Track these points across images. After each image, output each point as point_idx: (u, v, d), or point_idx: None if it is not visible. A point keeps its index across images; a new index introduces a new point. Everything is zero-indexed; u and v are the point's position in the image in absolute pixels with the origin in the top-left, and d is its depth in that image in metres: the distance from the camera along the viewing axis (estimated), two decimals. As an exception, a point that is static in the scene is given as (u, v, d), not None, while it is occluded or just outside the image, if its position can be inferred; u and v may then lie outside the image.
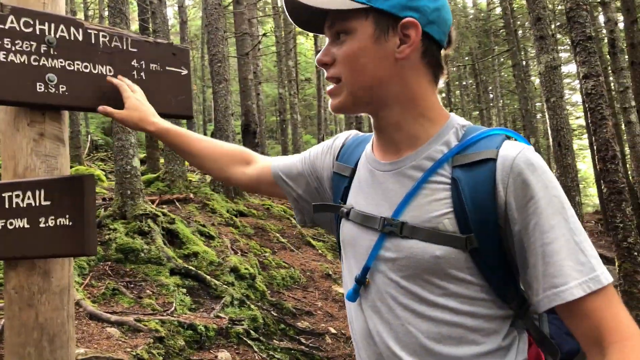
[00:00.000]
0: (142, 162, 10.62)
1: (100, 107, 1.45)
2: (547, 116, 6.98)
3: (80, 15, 19.93)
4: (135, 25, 16.53)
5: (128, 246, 5.24)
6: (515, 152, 0.89)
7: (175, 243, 5.87)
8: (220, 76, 9.62)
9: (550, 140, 7.03)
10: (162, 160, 12.50)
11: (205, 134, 21.73)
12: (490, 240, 0.89)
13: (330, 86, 1.02)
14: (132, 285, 4.80)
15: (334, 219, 1.16)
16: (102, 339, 3.45)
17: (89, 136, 17.10)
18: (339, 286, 6.79)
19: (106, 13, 18.86)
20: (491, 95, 27.55)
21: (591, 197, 33.56)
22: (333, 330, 5.37)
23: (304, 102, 32.44)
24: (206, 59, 12.10)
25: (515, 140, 0.96)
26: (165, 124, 1.43)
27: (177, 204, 7.60)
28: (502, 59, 25.02)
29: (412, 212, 0.95)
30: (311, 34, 24.97)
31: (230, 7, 13.83)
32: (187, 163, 9.51)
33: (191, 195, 8.27)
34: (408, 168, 0.98)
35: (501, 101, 28.22)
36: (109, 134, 18.64)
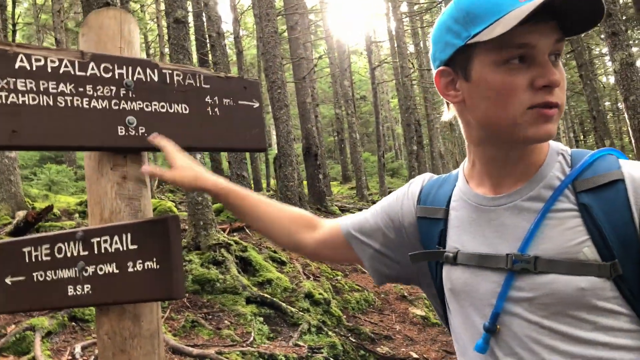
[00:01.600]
0: (210, 191, 10.87)
1: (146, 168, 1.40)
2: (626, 116, 6.56)
3: (142, 55, 20.99)
4: (194, 59, 17.17)
5: (204, 277, 5.31)
6: None
7: (248, 271, 5.90)
8: (280, 102, 9.75)
9: (633, 141, 6.58)
10: (228, 189, 12.75)
11: (266, 159, 22.08)
12: (633, 265, 0.83)
13: (551, 109, 0.87)
14: (210, 317, 4.83)
15: (427, 270, 1.07)
16: (186, 374, 3.47)
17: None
18: (416, 308, 6.58)
19: (166, 50, 19.85)
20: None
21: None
22: (415, 355, 5.17)
23: (360, 119, 32.47)
24: (264, 86, 12.36)
25: (624, 159, 0.91)
26: (225, 183, 1.33)
27: (247, 231, 7.68)
28: (563, 60, 24.06)
29: (543, 245, 0.87)
30: (365, 52, 25.09)
31: (285, 34, 14.10)
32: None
33: (259, 222, 8.33)
34: (525, 200, 0.91)
35: (566, 104, 27.07)
36: (176, 166, 19.29)
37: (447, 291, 1.01)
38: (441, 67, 0.96)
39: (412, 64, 19.31)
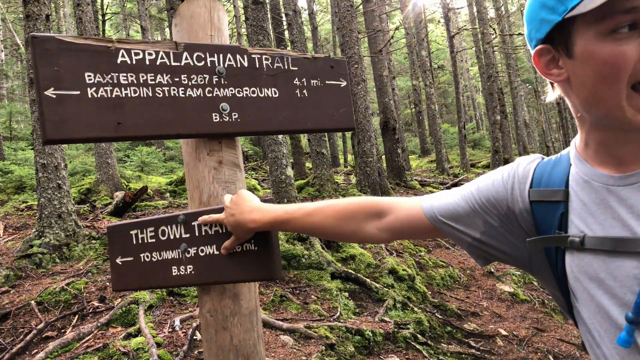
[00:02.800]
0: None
1: (203, 219, 1.42)
2: None
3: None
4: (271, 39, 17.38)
5: (290, 253, 5.44)
6: None
7: (332, 247, 5.98)
8: (358, 77, 9.67)
9: None
10: (308, 165, 12.97)
11: (344, 135, 22.09)
12: None
13: None
14: (297, 291, 4.96)
15: (543, 256, 0.98)
16: (277, 347, 3.60)
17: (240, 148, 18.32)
18: (504, 284, 6.39)
19: (243, 30, 20.19)
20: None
21: None
22: (504, 332, 5.04)
23: (438, 90, 31.58)
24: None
25: None
26: (267, 216, 1.30)
27: (328, 207, 7.77)
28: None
29: None
30: (442, 20, 24.14)
31: (360, 7, 13.88)
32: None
33: (340, 198, 8.41)
34: None
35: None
36: (256, 144, 19.85)
37: (572, 279, 0.92)
38: (539, 46, 0.89)
39: (493, 29, 18.39)
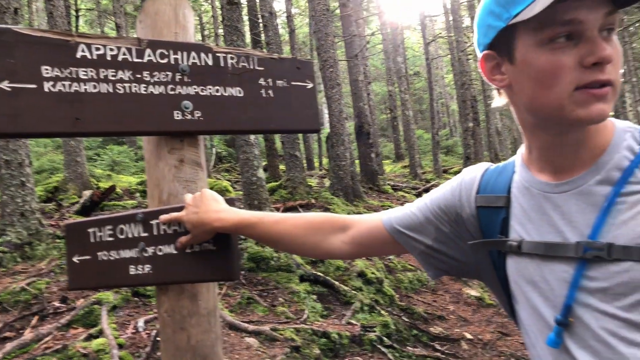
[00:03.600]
0: (264, 170, 11.04)
1: (163, 218, 1.38)
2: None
3: (197, 37, 21.32)
4: (247, 40, 17.31)
5: (259, 255, 5.43)
6: None
7: (301, 250, 5.97)
8: (333, 81, 9.71)
9: None
10: (281, 167, 12.94)
11: (319, 138, 22.14)
12: None
13: (602, 88, 0.82)
14: (265, 294, 4.95)
15: (489, 261, 1.02)
16: (242, 349, 3.58)
17: (214, 149, 18.16)
18: (470, 288, 6.48)
19: (220, 31, 20.11)
20: (622, 70, 24.98)
21: None
22: (469, 336, 5.11)
23: (413, 96, 31.91)
24: (315, 64, 12.32)
25: None
26: (234, 217, 1.27)
27: (300, 210, 7.77)
28: (632, 29, 22.64)
29: (615, 231, 0.81)
30: (418, 27, 24.46)
31: (337, 12, 13.95)
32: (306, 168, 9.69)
33: (313, 201, 8.42)
34: (592, 184, 0.86)
35: (635, 76, 25.53)
36: (231, 145, 19.71)
37: (512, 282, 0.96)
38: (485, 52, 0.92)
39: (467, 37, 18.69)
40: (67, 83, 1.30)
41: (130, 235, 1.47)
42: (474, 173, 1.07)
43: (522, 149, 1.01)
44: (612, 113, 0.84)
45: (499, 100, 0.99)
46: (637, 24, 19.85)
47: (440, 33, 26.61)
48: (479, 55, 0.95)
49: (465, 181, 1.06)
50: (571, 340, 0.86)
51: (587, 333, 0.84)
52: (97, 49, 1.35)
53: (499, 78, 0.92)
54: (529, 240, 0.91)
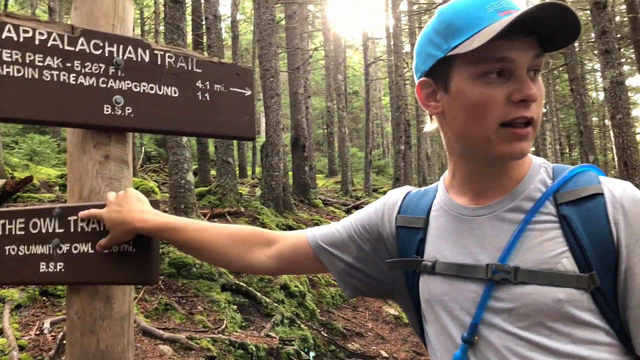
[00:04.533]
0: (194, 174, 10.80)
1: (83, 213, 1.32)
2: (612, 134, 6.64)
3: (136, 31, 20.68)
4: (188, 40, 16.98)
5: (181, 261, 5.28)
6: (620, 189, 0.87)
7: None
8: (272, 91, 9.70)
9: (616, 159, 6.67)
10: (213, 172, 12.71)
11: (254, 146, 21.99)
12: (610, 278, 0.84)
13: (525, 128, 0.87)
14: (184, 301, 4.81)
15: (403, 281, 1.06)
16: (154, 357, 3.45)
17: (143, 148, 17.59)
18: (390, 307, 6.62)
19: (161, 28, 19.60)
20: (545, 110, 26.67)
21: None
22: (384, 354, 5.21)
23: (350, 114, 32.46)
24: (256, 72, 12.27)
25: (603, 175, 0.93)
26: (158, 219, 1.23)
27: (228, 217, 7.65)
28: (556, 72, 24.29)
29: (523, 256, 0.87)
30: (361, 48, 25.00)
31: (282, 22, 14.00)
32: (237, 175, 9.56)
33: (242, 209, 8.32)
34: (506, 211, 0.92)
35: (555, 116, 27.31)
36: (161, 145, 19.17)
37: (423, 302, 1.00)
38: (422, 78, 0.97)
39: (406, 63, 19.32)
40: (-13, 64, 1.22)
41: (44, 231, 1.39)
42: (397, 195, 1.12)
43: (445, 174, 1.06)
44: (532, 149, 0.91)
45: (430, 125, 1.04)
46: (560, 68, 21.30)
47: (381, 56, 27.33)
48: (417, 80, 0.99)
49: (389, 202, 1.11)
50: (475, 358, 0.90)
51: (490, 351, 0.88)
52: (25, 31, 1.28)
53: (433, 105, 0.97)
54: (442, 261, 0.96)
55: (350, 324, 5.83)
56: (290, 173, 13.24)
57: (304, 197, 12.26)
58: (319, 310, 5.85)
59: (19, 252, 1.41)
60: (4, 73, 1.24)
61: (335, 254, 1.12)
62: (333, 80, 21.67)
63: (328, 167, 25.96)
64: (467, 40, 0.85)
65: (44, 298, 4.14)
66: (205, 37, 10.76)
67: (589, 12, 7.37)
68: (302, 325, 5.10)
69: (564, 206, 0.88)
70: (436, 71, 0.93)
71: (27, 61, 1.28)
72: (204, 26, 10.95)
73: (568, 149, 32.55)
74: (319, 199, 13.57)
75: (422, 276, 0.99)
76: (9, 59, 1.25)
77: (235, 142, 15.09)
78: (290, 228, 8.70)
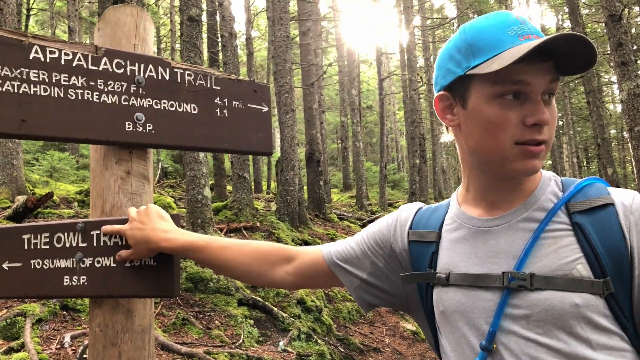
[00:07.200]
0: (210, 189, 10.87)
1: (106, 228, 1.35)
2: (630, 146, 6.58)
3: (153, 49, 20.96)
4: (205, 57, 17.21)
5: (198, 275, 5.31)
6: (629, 198, 0.91)
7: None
8: (287, 107, 9.78)
9: (635, 171, 6.59)
10: (229, 187, 12.80)
11: (269, 161, 22.10)
12: (624, 284, 0.87)
13: (538, 146, 0.91)
14: (201, 316, 4.83)
15: (417, 295, 1.09)
16: (173, 371, 3.47)
17: (160, 163, 17.78)
18: (407, 322, 6.56)
19: (177, 45, 19.93)
20: (561, 123, 26.47)
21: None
22: (402, 369, 5.16)
23: (365, 129, 32.52)
24: (271, 89, 12.39)
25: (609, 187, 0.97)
26: (182, 239, 1.27)
27: (244, 232, 7.68)
28: (572, 85, 24.13)
29: (538, 263, 0.90)
30: (375, 63, 25.18)
31: (297, 39, 14.15)
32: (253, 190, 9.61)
33: (258, 224, 8.35)
34: (519, 221, 0.95)
35: (572, 129, 27.06)
36: (178, 161, 19.35)
37: (438, 314, 1.02)
38: (441, 92, 1.01)
39: (420, 77, 19.35)
40: (15, 83, 1.27)
41: (68, 245, 1.43)
42: (409, 210, 1.15)
43: (458, 190, 1.10)
44: (550, 162, 0.94)
45: (447, 136, 1.08)
46: (576, 81, 21.18)
47: (395, 70, 27.42)
48: (435, 93, 1.03)
49: (400, 217, 1.14)
50: None
51: (510, 358, 0.89)
52: (52, 52, 1.33)
53: (449, 118, 1.01)
54: (456, 272, 0.98)
55: (367, 339, 5.79)
56: (305, 188, 13.27)
57: (319, 211, 12.27)
58: (335, 325, 5.82)
59: (44, 266, 1.45)
60: (32, 92, 1.29)
61: (351, 270, 1.16)
62: (347, 95, 21.76)
63: (343, 182, 25.95)
64: (487, 61, 0.89)
65: (64, 312, 4.19)
66: (221, 54, 10.91)
67: (604, 24, 7.34)
68: (319, 340, 5.08)
69: (576, 215, 0.92)
70: (455, 87, 0.97)
71: (54, 80, 1.32)
72: (219, 44, 11.12)
73: (585, 162, 32.15)
74: (334, 213, 13.57)
75: (435, 288, 1.02)
76: (36, 79, 1.30)
77: (250, 157, 15.19)
78: (306, 243, 8.70)
